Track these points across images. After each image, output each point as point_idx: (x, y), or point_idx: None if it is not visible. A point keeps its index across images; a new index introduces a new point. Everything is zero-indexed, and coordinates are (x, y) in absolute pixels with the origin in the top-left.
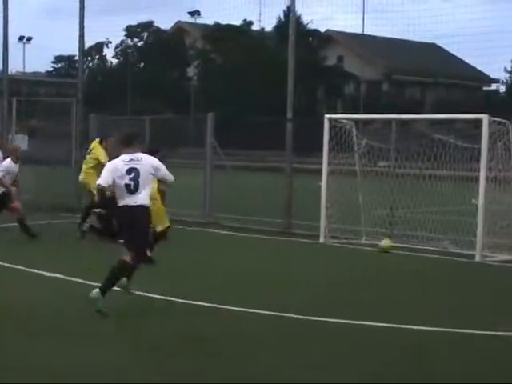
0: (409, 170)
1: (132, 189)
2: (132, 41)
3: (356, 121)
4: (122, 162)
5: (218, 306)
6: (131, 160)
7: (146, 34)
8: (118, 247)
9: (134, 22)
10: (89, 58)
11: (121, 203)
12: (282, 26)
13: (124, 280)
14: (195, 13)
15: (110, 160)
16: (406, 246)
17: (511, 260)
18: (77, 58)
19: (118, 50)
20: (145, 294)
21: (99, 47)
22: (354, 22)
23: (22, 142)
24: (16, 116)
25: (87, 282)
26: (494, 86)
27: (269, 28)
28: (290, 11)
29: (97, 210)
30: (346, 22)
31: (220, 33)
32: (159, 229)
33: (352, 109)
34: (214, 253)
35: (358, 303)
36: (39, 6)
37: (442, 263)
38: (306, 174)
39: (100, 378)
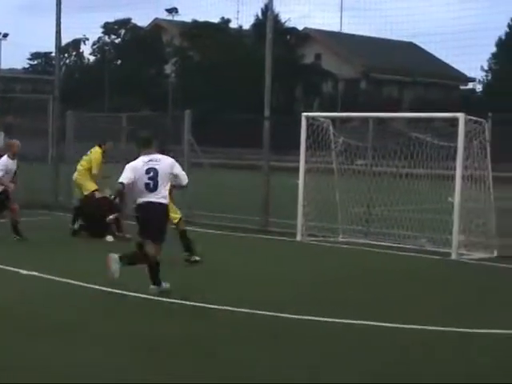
0: (386, 169)
1: (151, 187)
2: (109, 38)
3: (333, 119)
4: (141, 163)
5: (208, 305)
6: (150, 161)
7: (123, 31)
8: (102, 246)
9: (111, 19)
10: (66, 55)
11: (140, 201)
12: (259, 24)
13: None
14: (173, 10)
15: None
16: (382, 244)
17: (487, 258)
18: (53, 54)
19: (95, 46)
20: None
21: (76, 44)
22: (331, 21)
23: None
24: None
25: (65, 280)
26: (470, 85)
27: (247, 26)
28: (267, 9)
29: (112, 217)
30: (323, 20)
31: (198, 30)
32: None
33: (330, 107)
34: None
35: (344, 302)
36: (15, 2)
37: (419, 261)
38: (283, 172)
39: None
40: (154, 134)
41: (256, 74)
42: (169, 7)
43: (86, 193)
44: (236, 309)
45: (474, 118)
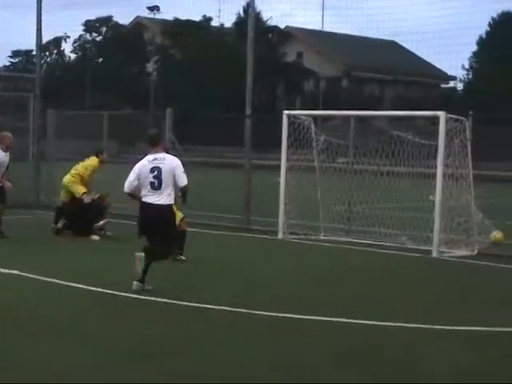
0: (367, 167)
1: (156, 186)
2: (91, 36)
3: (315, 117)
4: (147, 162)
5: (195, 304)
6: (155, 159)
7: (104, 29)
8: (87, 245)
9: (92, 17)
10: (47, 53)
11: (145, 199)
12: (241, 23)
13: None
14: (154, 8)
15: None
16: (364, 241)
17: (467, 256)
18: (34, 52)
19: (76, 44)
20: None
21: (57, 42)
22: (313, 19)
23: None
24: None
25: (45, 279)
26: (451, 84)
27: (228, 24)
28: (249, 7)
29: (101, 223)
30: (305, 18)
31: (179, 28)
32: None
33: (311, 105)
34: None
35: (326, 300)
36: None
37: (400, 259)
38: (264, 170)
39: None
40: (160, 133)
41: (238, 73)
42: (150, 5)
43: (77, 195)
44: (216, 307)
45: (455, 117)
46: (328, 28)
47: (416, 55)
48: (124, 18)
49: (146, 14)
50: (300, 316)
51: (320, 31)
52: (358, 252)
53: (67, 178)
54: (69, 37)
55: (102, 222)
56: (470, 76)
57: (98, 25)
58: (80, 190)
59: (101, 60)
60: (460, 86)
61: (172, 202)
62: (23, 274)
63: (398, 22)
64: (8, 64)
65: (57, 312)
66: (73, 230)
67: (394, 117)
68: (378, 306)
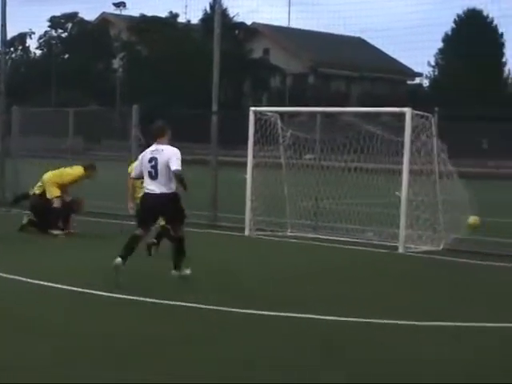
0: (334, 163)
1: (153, 175)
2: (56, 32)
3: (281, 113)
4: (148, 152)
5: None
6: (155, 150)
7: (70, 25)
8: (55, 242)
9: (57, 13)
10: (11, 49)
11: (146, 189)
12: (207, 19)
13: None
14: (120, 4)
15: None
16: (330, 237)
17: (433, 251)
18: None
19: (41, 40)
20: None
21: (22, 38)
22: (280, 15)
23: None
24: None
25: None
26: (417, 80)
27: (195, 20)
28: (215, 3)
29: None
30: (271, 15)
31: (145, 24)
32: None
33: (278, 102)
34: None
35: (291, 297)
36: None
37: (367, 255)
38: (231, 167)
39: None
40: (165, 125)
41: (204, 69)
42: (116, 1)
43: (48, 196)
44: (183, 303)
45: (421, 113)
46: (294, 24)
47: (382, 52)
48: (90, 14)
49: (112, 10)
50: (272, 313)
51: (286, 28)
52: (325, 248)
53: (48, 176)
54: (34, 33)
55: (60, 232)
56: (436, 73)
57: (63, 21)
58: (54, 192)
59: (66, 56)
60: (426, 83)
61: (171, 191)
62: None
63: (364, 19)
64: None
65: (34, 310)
66: (36, 226)
67: (359, 113)
68: (343, 302)
